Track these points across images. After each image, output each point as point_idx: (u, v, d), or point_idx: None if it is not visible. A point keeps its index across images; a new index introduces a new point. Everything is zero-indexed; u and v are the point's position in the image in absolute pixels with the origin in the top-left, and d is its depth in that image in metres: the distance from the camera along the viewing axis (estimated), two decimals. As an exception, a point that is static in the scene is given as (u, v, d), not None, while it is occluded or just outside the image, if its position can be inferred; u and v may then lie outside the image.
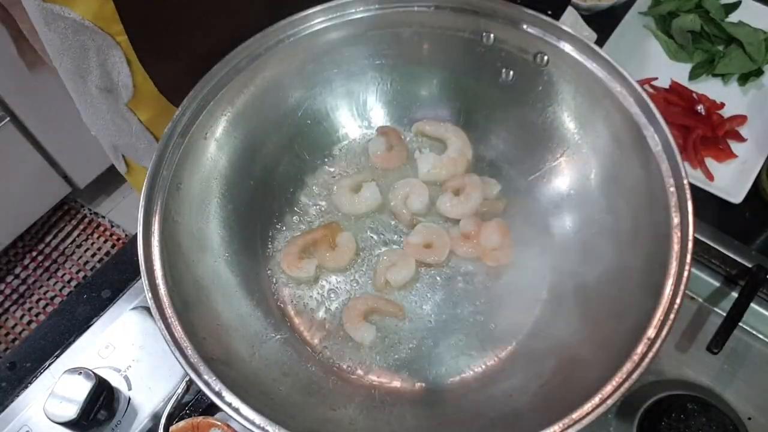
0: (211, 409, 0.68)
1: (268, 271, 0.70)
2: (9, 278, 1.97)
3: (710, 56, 0.99)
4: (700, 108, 0.94)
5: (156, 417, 0.68)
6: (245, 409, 0.50)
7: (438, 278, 0.69)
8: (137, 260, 0.55)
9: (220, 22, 0.73)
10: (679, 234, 0.55)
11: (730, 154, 0.90)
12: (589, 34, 0.99)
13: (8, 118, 1.62)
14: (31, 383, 0.71)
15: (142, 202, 0.58)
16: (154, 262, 0.56)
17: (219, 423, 0.65)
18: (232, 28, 0.67)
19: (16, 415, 0.69)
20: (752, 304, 0.72)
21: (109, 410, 0.68)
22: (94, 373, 0.65)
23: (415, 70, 0.75)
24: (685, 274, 0.53)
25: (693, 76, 0.99)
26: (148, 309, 0.53)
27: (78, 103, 0.83)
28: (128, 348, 0.72)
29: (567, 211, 0.71)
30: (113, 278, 0.79)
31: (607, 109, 0.63)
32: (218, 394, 0.50)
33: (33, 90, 1.59)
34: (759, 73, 0.97)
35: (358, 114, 0.78)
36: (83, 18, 0.67)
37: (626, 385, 0.49)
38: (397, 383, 0.64)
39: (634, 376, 0.49)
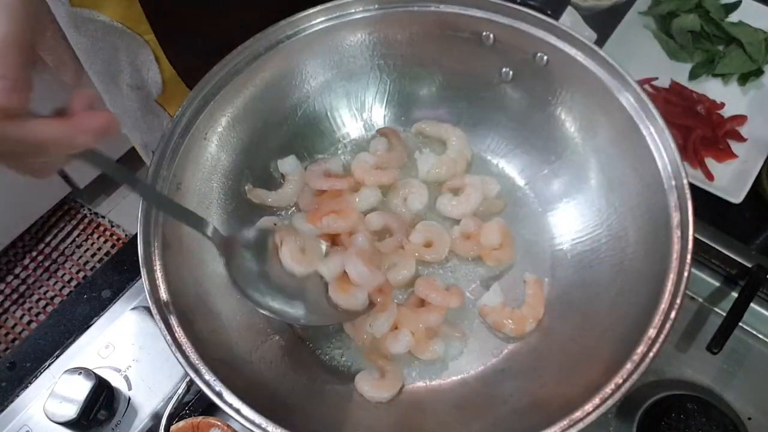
0: (211, 409, 0.68)
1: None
2: (9, 278, 1.97)
3: (710, 56, 0.99)
4: (700, 108, 0.94)
5: (156, 417, 0.68)
6: (245, 409, 0.50)
7: (438, 277, 0.69)
8: (137, 260, 0.55)
9: (240, 14, 0.73)
10: (679, 234, 0.55)
11: (730, 154, 0.90)
12: (589, 34, 0.99)
13: (8, 118, 1.62)
14: (31, 383, 0.71)
15: (142, 202, 0.58)
16: (154, 262, 0.56)
17: (219, 423, 0.65)
18: (251, 19, 0.67)
19: (16, 415, 0.69)
20: (752, 304, 0.73)
21: (109, 410, 0.68)
22: (94, 373, 0.66)
23: (415, 70, 0.75)
24: (685, 274, 0.53)
25: (693, 76, 0.99)
26: (148, 309, 0.53)
27: (109, 103, 0.85)
28: (128, 348, 0.72)
29: (567, 210, 0.71)
30: (113, 278, 0.79)
31: (607, 109, 0.63)
32: (218, 394, 0.50)
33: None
34: (759, 73, 0.98)
35: (358, 114, 0.78)
36: (112, 19, 0.69)
37: (626, 385, 0.49)
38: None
39: (634, 376, 0.49)
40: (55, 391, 0.64)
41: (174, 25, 0.73)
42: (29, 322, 1.91)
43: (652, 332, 0.51)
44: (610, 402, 0.48)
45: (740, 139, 0.92)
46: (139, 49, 0.73)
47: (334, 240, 0.69)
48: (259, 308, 0.58)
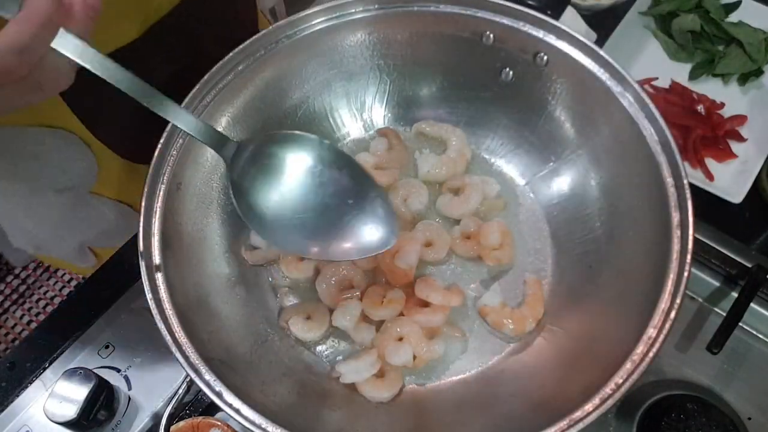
0: (211, 409, 0.68)
1: (268, 272, 0.70)
2: (9, 278, 1.97)
3: (710, 56, 0.99)
4: (700, 108, 0.94)
5: (156, 417, 0.68)
6: (245, 409, 0.50)
7: (438, 277, 0.69)
8: (137, 260, 0.55)
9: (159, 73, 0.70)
10: (679, 234, 0.55)
11: (730, 154, 0.90)
12: (589, 34, 0.99)
13: (8, 118, 1.62)
14: (31, 383, 0.71)
15: (142, 202, 0.58)
16: (154, 262, 0.56)
17: (219, 423, 0.65)
18: (170, 76, 0.64)
19: (16, 415, 0.69)
20: (752, 304, 0.72)
21: (109, 410, 0.68)
22: (94, 373, 0.66)
23: (415, 70, 0.75)
24: (685, 274, 0.53)
25: (693, 76, 0.99)
26: (148, 309, 0.53)
27: (33, 220, 0.80)
28: (128, 348, 0.72)
29: (567, 211, 0.71)
30: (113, 278, 0.79)
31: (607, 109, 0.63)
32: (218, 394, 0.50)
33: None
34: (759, 73, 0.97)
35: (358, 114, 0.78)
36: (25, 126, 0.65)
37: (626, 385, 0.49)
38: (397, 383, 0.64)
39: (634, 376, 0.49)
40: (55, 391, 0.64)
41: (100, 106, 0.67)
42: (29, 322, 1.91)
43: (652, 332, 0.51)
44: (610, 402, 0.48)
45: (740, 139, 0.92)
46: (63, 140, 0.68)
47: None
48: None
